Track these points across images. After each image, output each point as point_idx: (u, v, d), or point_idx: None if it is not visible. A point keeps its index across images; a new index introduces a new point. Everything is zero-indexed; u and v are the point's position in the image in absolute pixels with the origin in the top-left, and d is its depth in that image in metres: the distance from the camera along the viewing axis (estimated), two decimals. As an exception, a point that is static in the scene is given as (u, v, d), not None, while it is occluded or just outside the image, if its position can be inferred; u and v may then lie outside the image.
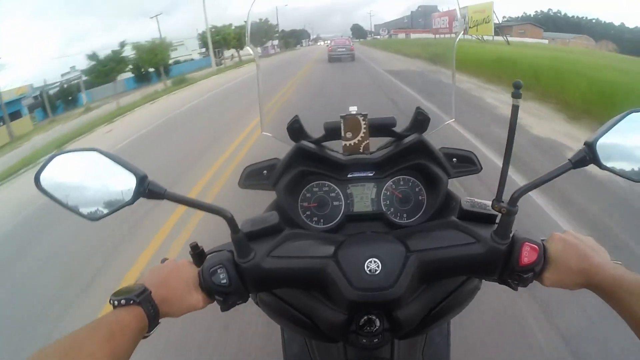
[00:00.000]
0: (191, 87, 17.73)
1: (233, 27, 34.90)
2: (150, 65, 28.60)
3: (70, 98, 25.56)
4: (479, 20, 18.13)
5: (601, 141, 0.52)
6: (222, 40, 33.66)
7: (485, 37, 18.40)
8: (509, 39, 18.96)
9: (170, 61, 31.50)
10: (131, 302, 0.50)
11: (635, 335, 0.46)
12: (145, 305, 0.51)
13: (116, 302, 0.50)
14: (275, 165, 0.81)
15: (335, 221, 0.80)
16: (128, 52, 27.42)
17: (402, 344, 0.71)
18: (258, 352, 1.82)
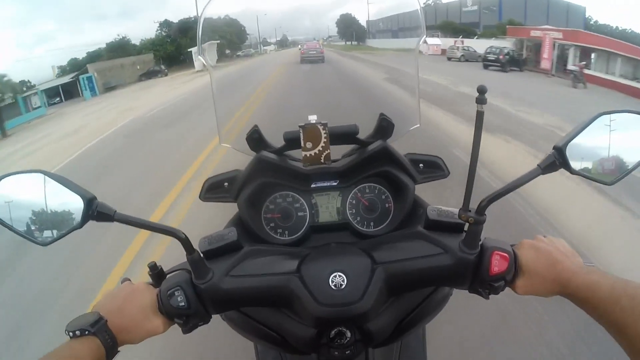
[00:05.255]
0: None
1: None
2: None
3: None
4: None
5: (571, 145, 0.51)
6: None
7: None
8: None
9: None
10: (86, 332, 0.48)
11: (615, 341, 0.45)
12: (101, 335, 0.49)
13: (71, 334, 0.48)
14: (237, 177, 0.78)
15: (300, 232, 0.77)
16: None
17: (376, 351, 0.70)
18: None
